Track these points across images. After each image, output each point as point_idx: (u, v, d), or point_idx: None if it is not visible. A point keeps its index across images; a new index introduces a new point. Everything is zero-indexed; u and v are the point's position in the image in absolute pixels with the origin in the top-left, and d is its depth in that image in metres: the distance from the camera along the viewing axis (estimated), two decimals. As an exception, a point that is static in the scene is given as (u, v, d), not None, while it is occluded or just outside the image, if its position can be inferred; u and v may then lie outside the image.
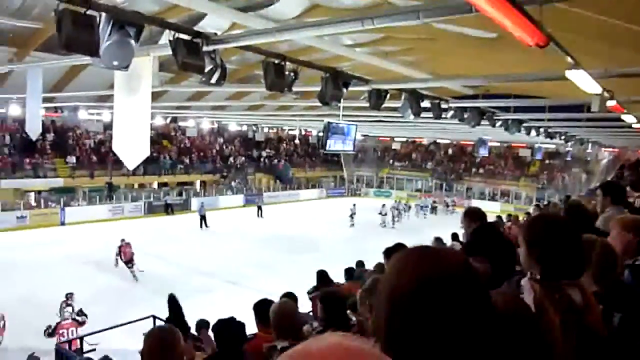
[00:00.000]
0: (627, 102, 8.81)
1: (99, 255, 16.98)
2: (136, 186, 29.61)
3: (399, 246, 6.04)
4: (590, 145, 25.47)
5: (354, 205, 27.90)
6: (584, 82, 6.00)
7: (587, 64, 5.61)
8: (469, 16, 3.39)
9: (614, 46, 8.16)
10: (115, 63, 4.46)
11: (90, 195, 26.30)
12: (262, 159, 38.37)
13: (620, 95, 7.81)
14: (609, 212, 3.54)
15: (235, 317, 4.09)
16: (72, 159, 26.86)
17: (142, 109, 5.80)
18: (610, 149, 32.29)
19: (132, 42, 4.45)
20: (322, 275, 7.85)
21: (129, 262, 15.20)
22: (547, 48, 3.70)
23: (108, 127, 26.46)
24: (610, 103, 7.47)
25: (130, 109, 5.79)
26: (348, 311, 3.44)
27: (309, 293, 7.14)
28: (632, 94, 8.70)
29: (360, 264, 8.66)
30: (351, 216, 26.91)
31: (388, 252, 5.82)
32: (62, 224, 23.62)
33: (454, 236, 9.42)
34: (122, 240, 15.54)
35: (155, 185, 30.28)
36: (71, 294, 9.96)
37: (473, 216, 3.87)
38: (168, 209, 27.90)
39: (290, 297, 5.19)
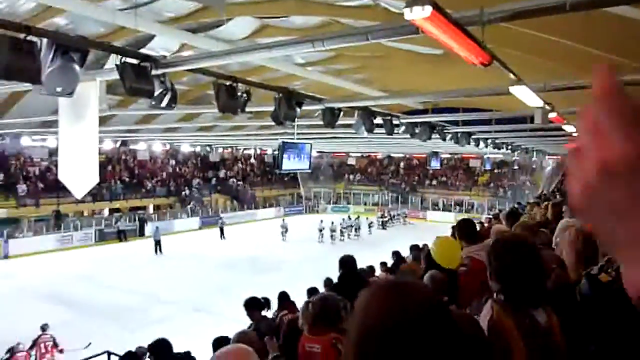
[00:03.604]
0: (567, 113, 9.28)
1: (50, 288, 16.11)
2: (86, 213, 28.42)
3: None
4: (535, 153, 26.62)
5: (283, 220, 29.02)
6: (526, 96, 6.29)
7: (528, 78, 5.88)
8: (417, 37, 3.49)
9: (550, 61, 8.61)
10: (59, 89, 4.29)
11: (36, 225, 25.00)
12: (218, 180, 37.80)
13: (560, 107, 8.23)
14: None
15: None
16: (22, 188, 25.54)
17: (89, 135, 5.59)
18: (554, 157, 33.82)
19: (77, 67, 4.30)
20: (283, 297, 7.74)
21: None
22: (491, 65, 3.85)
23: (54, 152, 25.37)
24: (552, 115, 7.87)
25: (77, 135, 5.56)
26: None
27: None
28: (570, 105, 9.19)
29: (329, 281, 8.56)
30: (282, 233, 27.50)
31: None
32: (6, 257, 22.26)
33: (413, 248, 9.62)
34: (44, 327, 9.08)
35: (106, 212, 29.16)
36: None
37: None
38: (121, 236, 26.90)
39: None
